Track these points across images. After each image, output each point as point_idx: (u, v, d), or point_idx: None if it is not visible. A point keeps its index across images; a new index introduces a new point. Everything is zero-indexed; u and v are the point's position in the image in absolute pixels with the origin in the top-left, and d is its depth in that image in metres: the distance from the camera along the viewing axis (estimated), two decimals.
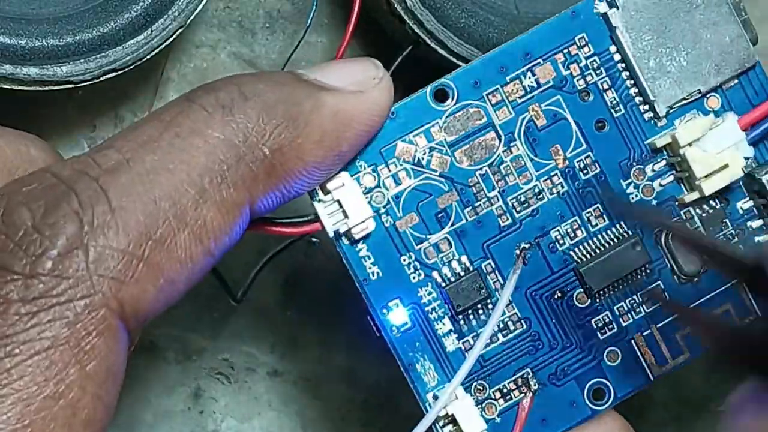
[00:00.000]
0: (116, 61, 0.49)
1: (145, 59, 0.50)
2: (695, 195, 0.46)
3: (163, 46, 0.50)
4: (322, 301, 0.55)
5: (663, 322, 0.46)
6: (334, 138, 0.41)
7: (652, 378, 0.46)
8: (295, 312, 0.58)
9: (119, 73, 0.50)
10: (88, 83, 0.49)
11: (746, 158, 0.46)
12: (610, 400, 0.46)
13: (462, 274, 0.45)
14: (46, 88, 0.49)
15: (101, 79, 0.50)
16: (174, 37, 0.50)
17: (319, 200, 0.43)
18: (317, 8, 0.56)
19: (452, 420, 0.44)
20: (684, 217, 0.46)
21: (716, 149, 0.45)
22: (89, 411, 0.36)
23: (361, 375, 0.58)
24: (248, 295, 0.55)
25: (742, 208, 0.47)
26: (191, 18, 0.50)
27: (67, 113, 0.56)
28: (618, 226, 0.46)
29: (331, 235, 0.43)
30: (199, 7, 0.50)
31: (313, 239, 0.56)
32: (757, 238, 0.47)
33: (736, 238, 0.47)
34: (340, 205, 0.43)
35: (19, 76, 0.49)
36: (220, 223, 0.39)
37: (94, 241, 0.36)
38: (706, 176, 0.45)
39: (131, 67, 0.50)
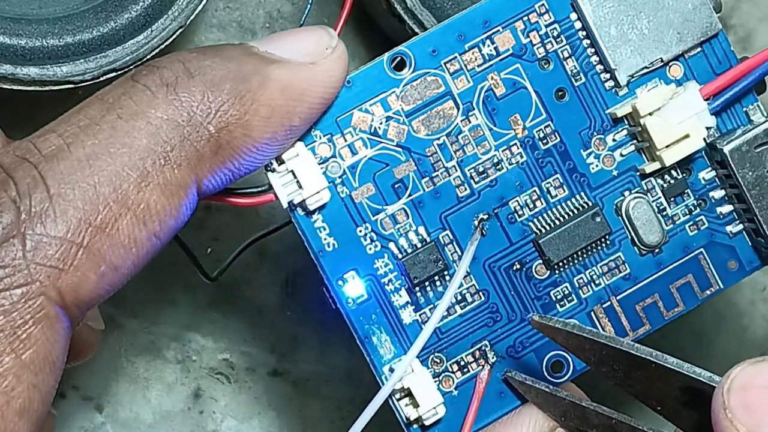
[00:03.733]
0: (116, 61, 0.49)
1: (145, 59, 0.49)
2: (656, 165, 0.45)
3: (163, 46, 0.49)
4: (322, 301, 0.54)
5: (623, 294, 0.46)
6: (284, 113, 0.40)
7: None
8: (295, 312, 0.58)
9: (119, 73, 0.49)
10: (88, 83, 0.49)
11: (708, 128, 0.45)
12: (569, 373, 0.46)
13: (419, 245, 0.44)
14: (46, 88, 0.49)
15: (101, 79, 0.49)
16: (174, 37, 0.49)
17: (273, 170, 0.42)
18: (318, 8, 0.56)
19: (408, 393, 0.43)
20: (645, 188, 0.46)
21: (677, 119, 0.44)
22: (24, 400, 0.36)
23: (361, 375, 0.57)
24: (248, 295, 0.55)
25: (704, 178, 0.46)
26: (191, 18, 0.49)
27: None
28: (578, 196, 0.45)
29: (285, 206, 0.43)
30: (199, 7, 0.49)
31: None
32: (719, 209, 0.46)
33: (698, 209, 0.46)
34: (295, 176, 0.42)
35: (19, 76, 0.48)
36: (164, 206, 0.38)
37: (32, 230, 0.36)
38: (666, 146, 0.44)
39: (131, 67, 0.49)
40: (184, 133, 0.38)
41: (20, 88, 0.49)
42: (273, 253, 0.58)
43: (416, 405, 0.43)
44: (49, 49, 0.48)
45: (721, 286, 0.47)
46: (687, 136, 0.44)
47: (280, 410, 0.58)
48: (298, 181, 0.42)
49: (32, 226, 0.36)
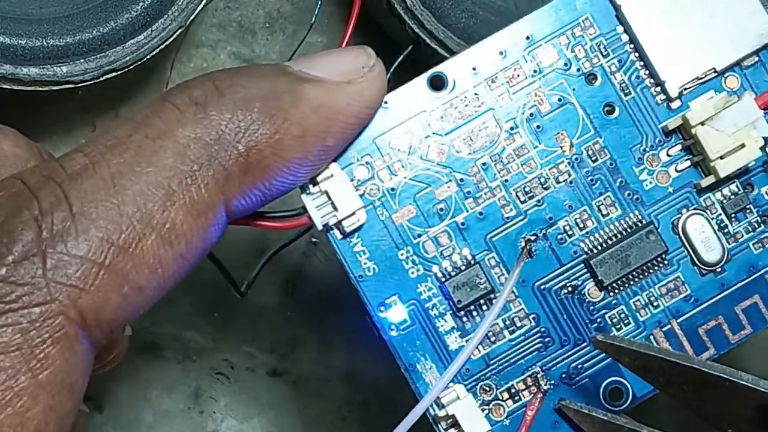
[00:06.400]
0: (116, 61, 0.49)
1: (145, 59, 0.49)
2: (711, 179, 0.43)
3: (163, 46, 0.50)
4: (322, 301, 0.54)
5: (684, 317, 0.43)
6: (316, 133, 0.39)
7: None
8: (295, 312, 0.57)
9: (119, 73, 0.49)
10: (88, 83, 0.49)
11: (766, 138, 0.43)
12: (629, 401, 0.43)
13: (463, 268, 0.43)
14: (46, 88, 0.49)
15: (101, 79, 0.49)
16: (174, 37, 0.49)
17: (308, 192, 0.41)
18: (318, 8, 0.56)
19: (454, 422, 0.42)
20: (704, 204, 0.43)
21: (731, 128, 0.42)
22: (39, 422, 0.35)
23: (361, 375, 0.57)
24: (248, 295, 0.55)
25: (767, 194, 0.44)
26: (191, 18, 0.50)
27: (67, 113, 0.56)
28: (632, 215, 0.43)
29: (320, 228, 0.42)
30: (199, 7, 0.49)
31: (314, 239, 0.55)
32: None
33: (763, 226, 0.44)
34: (329, 197, 0.41)
35: (19, 76, 0.49)
36: (191, 226, 0.37)
37: (52, 248, 0.35)
38: (720, 157, 0.42)
39: (131, 67, 0.49)
40: (212, 152, 0.37)
41: (20, 88, 0.49)
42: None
43: None
44: (49, 49, 0.49)
45: None
46: (743, 145, 0.42)
47: (280, 410, 0.58)
48: (332, 203, 0.41)
49: (53, 244, 0.35)
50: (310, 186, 0.41)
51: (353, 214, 0.41)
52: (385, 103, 0.42)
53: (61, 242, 0.35)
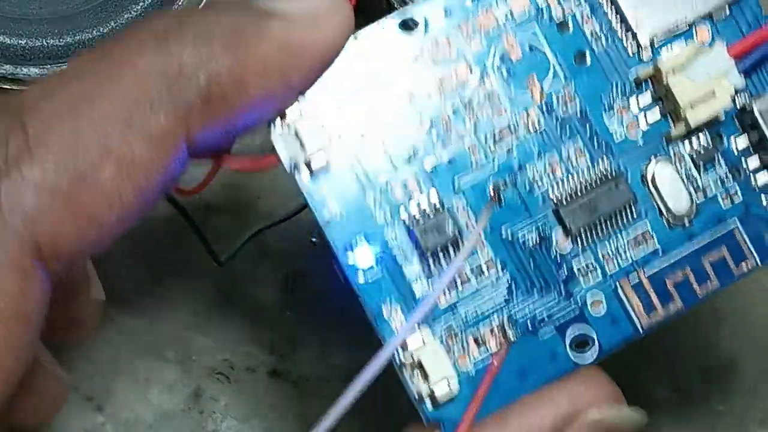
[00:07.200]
0: None
1: None
2: (682, 128, 0.42)
3: None
4: (322, 301, 0.53)
5: (651, 268, 0.43)
6: (280, 68, 0.38)
7: (641, 330, 0.43)
8: (295, 311, 0.57)
9: None
10: None
11: (737, 90, 0.43)
12: (596, 353, 0.43)
13: (431, 214, 0.42)
14: None
15: None
16: None
17: (275, 129, 0.41)
18: None
19: (419, 366, 0.41)
20: (673, 155, 0.43)
21: (703, 77, 0.42)
22: None
23: None
24: (248, 294, 0.55)
25: (737, 147, 0.44)
26: None
27: None
28: (601, 164, 0.43)
29: (287, 166, 0.41)
30: (199, 8, 0.49)
31: (313, 239, 0.54)
32: (754, 179, 0.44)
33: (731, 179, 0.44)
34: (297, 135, 0.41)
35: (19, 76, 0.49)
36: (151, 157, 0.36)
37: (7, 176, 0.34)
38: (691, 106, 0.42)
39: None
40: (172, 83, 0.37)
41: (20, 88, 0.49)
42: (273, 252, 0.57)
43: (427, 378, 0.41)
44: (49, 49, 0.48)
45: (758, 263, 0.44)
46: (713, 94, 0.42)
47: (281, 410, 0.57)
48: (300, 141, 0.41)
49: (8, 172, 0.35)
50: (279, 123, 0.41)
51: (321, 150, 0.41)
52: (355, 38, 0.42)
53: (16, 170, 0.35)
